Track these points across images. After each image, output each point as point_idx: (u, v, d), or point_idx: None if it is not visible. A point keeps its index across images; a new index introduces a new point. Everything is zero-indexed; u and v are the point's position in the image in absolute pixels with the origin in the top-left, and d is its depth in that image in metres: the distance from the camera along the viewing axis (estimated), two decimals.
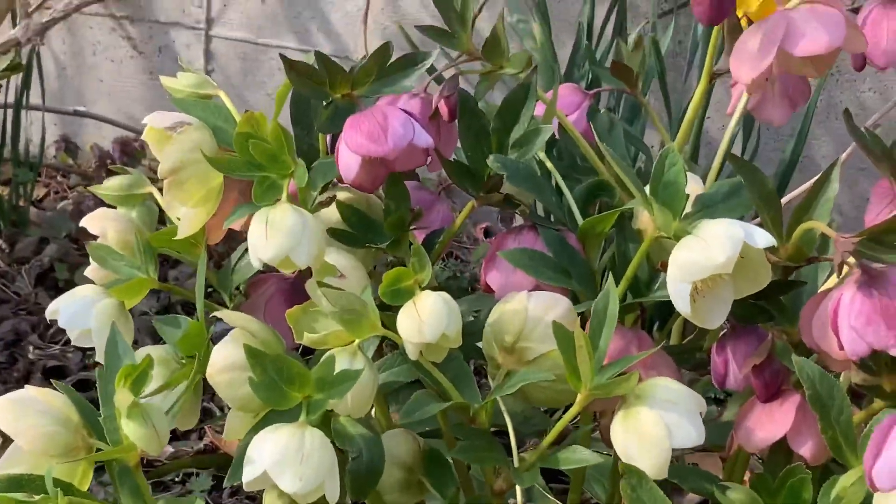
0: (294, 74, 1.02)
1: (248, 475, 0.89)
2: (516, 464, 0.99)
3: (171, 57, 2.60)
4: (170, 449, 1.73)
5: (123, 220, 1.14)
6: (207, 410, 1.81)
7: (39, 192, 2.57)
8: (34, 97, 2.45)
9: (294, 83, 1.03)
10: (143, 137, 1.07)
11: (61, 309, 1.08)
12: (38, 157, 2.42)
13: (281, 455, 0.89)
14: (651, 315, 1.52)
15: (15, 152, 2.36)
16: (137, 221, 1.16)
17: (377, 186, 1.05)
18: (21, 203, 2.38)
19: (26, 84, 2.34)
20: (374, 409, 1.16)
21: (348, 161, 1.01)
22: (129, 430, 0.93)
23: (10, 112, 2.36)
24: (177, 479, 1.69)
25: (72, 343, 1.11)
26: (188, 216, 1.05)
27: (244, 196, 1.05)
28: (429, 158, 1.07)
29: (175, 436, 1.79)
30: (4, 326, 2.03)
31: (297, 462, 0.89)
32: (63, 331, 1.96)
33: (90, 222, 1.14)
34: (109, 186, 1.17)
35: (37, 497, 0.90)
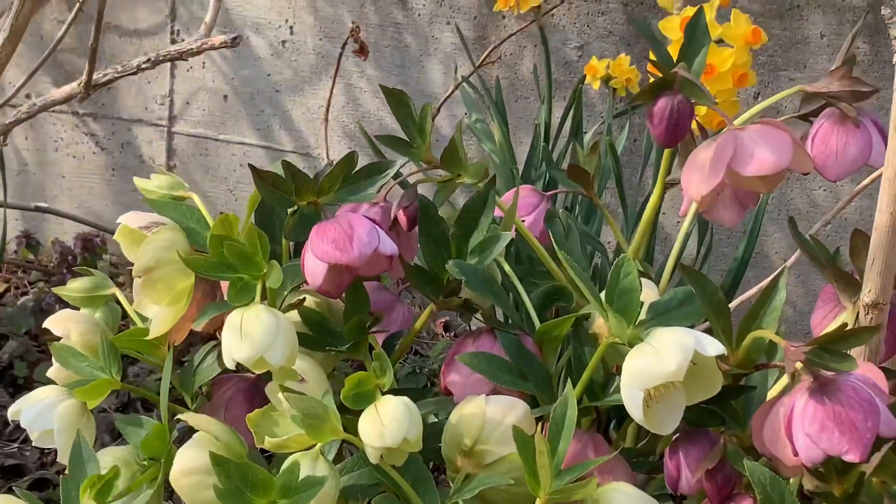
0: (261, 183, 1.05)
1: None
2: None
3: (133, 153, 2.62)
4: None
5: (87, 322, 1.16)
6: None
7: None
8: None
9: (261, 191, 1.05)
10: (115, 237, 1.09)
11: (23, 410, 1.08)
12: None
13: None
14: (607, 414, 1.54)
15: None
16: (101, 322, 1.18)
17: (342, 292, 1.08)
18: None
19: None
20: None
21: (314, 268, 1.03)
22: None
23: None
24: None
25: (31, 442, 1.12)
26: (160, 315, 1.07)
27: (206, 298, 1.08)
28: (391, 267, 1.10)
29: None
30: None
31: None
32: (21, 429, 1.98)
33: (54, 324, 1.15)
34: (73, 288, 1.19)
35: None
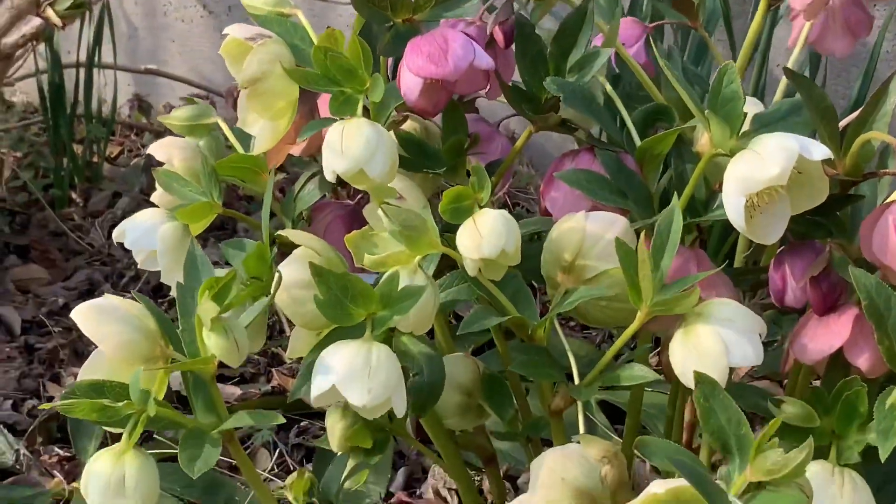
0: (357, 0, 1.03)
1: (317, 389, 0.91)
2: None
3: (240, 16, 2.62)
4: (238, 391, 1.76)
5: (190, 149, 1.16)
6: (276, 356, 1.84)
7: (113, 150, 2.62)
8: (107, 57, 2.49)
9: (357, 8, 1.04)
10: (220, 52, 1.09)
11: (127, 231, 1.10)
12: (111, 115, 2.46)
13: (349, 369, 0.90)
14: (715, 244, 1.52)
15: (88, 110, 2.41)
16: (204, 151, 1.18)
17: (438, 111, 1.06)
18: (95, 159, 2.43)
19: (98, 43, 2.39)
20: (437, 334, 1.18)
21: (410, 84, 1.02)
22: (211, 342, 0.94)
23: (83, 71, 2.40)
24: None
25: (139, 267, 1.14)
26: (263, 130, 1.07)
27: (306, 120, 1.07)
28: (488, 85, 1.08)
29: (243, 378, 1.82)
30: (79, 276, 2.07)
31: (365, 376, 0.90)
32: (135, 280, 2.03)
33: (157, 149, 1.16)
34: (177, 116, 1.19)
35: (120, 403, 0.91)
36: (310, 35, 1.08)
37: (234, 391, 1.76)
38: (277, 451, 1.64)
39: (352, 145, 0.96)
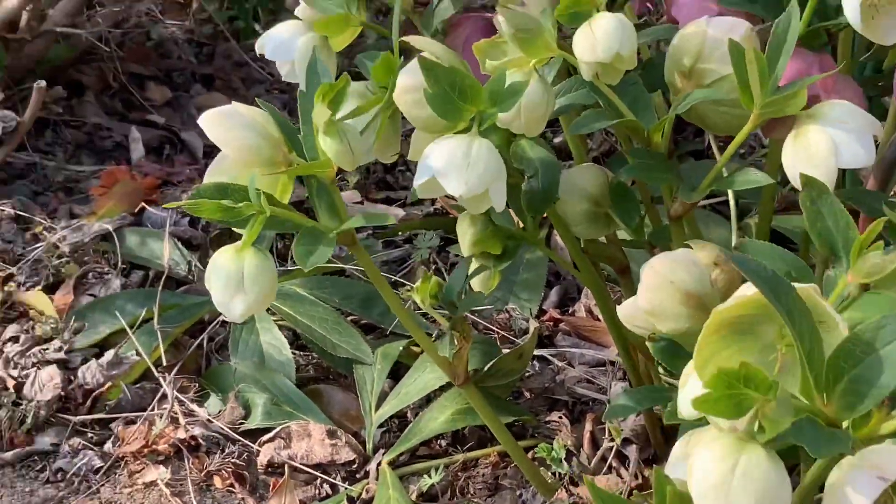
0: None
1: (419, 179, 0.94)
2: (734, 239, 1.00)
3: None
4: (401, 212, 1.81)
5: None
6: None
7: None
8: None
9: None
10: None
11: (266, 42, 1.14)
12: None
13: (448, 160, 0.93)
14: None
15: None
16: None
17: None
18: None
19: None
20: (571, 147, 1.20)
21: None
22: (326, 145, 0.98)
23: None
24: (404, 239, 1.76)
25: (282, 79, 1.18)
26: None
27: None
28: None
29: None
30: None
31: (464, 167, 0.93)
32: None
33: None
34: None
35: (240, 204, 0.97)
36: None
37: (398, 212, 1.81)
38: (434, 268, 1.68)
39: None
